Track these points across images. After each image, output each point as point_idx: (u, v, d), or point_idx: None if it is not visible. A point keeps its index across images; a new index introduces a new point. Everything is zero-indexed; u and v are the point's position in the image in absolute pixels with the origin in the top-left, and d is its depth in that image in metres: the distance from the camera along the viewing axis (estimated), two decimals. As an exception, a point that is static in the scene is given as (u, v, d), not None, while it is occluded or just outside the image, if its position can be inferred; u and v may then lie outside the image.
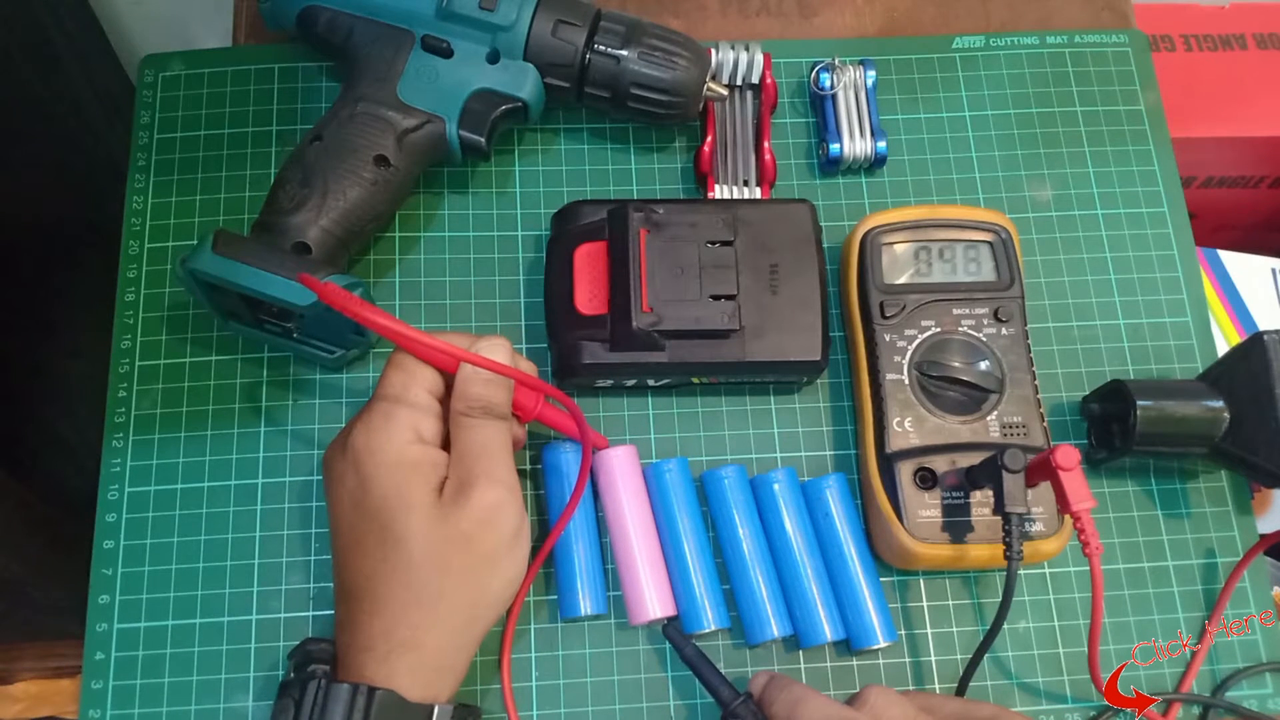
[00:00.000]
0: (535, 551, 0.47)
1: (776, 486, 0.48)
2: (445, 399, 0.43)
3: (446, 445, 0.43)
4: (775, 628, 0.46)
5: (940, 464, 0.47)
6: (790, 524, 0.48)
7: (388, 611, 0.39)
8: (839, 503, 0.48)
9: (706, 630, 0.47)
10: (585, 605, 0.47)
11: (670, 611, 0.47)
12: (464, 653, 0.41)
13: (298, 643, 0.42)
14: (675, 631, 0.44)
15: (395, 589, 0.39)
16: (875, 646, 0.47)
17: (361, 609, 0.40)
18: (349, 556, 0.41)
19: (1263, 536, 0.50)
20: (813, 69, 0.57)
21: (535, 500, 0.50)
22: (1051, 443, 0.47)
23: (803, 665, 0.48)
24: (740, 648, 0.48)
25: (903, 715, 0.40)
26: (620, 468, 0.48)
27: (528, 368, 0.46)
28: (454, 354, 0.41)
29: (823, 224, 0.52)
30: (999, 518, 0.44)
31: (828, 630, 0.46)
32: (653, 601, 0.46)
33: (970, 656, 0.45)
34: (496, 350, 0.42)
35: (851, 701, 0.41)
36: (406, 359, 0.42)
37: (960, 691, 0.46)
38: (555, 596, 0.48)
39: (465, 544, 0.40)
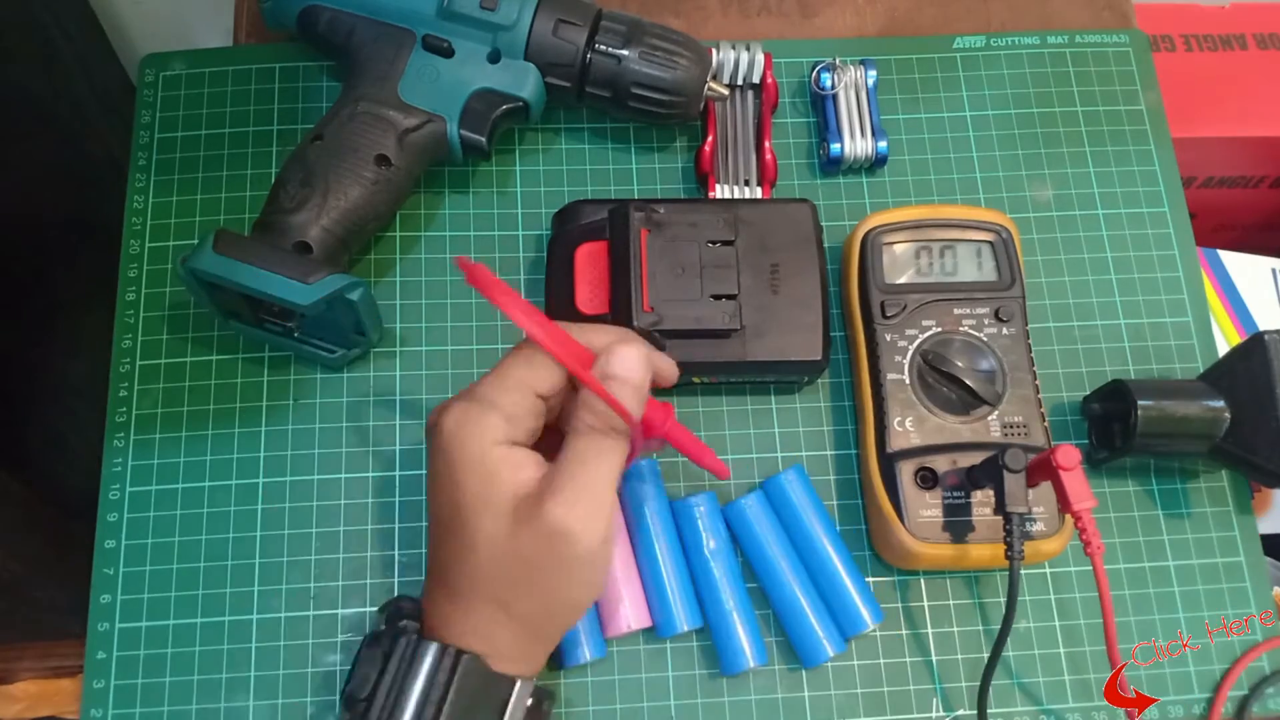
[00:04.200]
0: None
1: (749, 510, 0.48)
2: (564, 394, 0.41)
3: (543, 445, 0.41)
4: (751, 659, 0.46)
5: (941, 464, 0.47)
6: (770, 546, 0.47)
7: (461, 601, 0.40)
8: (802, 494, 0.48)
9: (681, 633, 0.47)
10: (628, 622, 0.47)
11: (645, 623, 0.47)
12: (540, 645, 0.41)
13: (386, 600, 0.43)
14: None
15: (465, 583, 0.39)
16: (866, 631, 0.47)
17: (441, 587, 0.40)
18: (433, 532, 0.41)
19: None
20: (813, 69, 0.57)
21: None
22: (1052, 442, 0.47)
23: (803, 666, 0.48)
24: (717, 678, 0.48)
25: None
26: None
27: (667, 366, 0.44)
28: (585, 369, 0.39)
29: (823, 224, 0.52)
30: (1000, 517, 0.44)
31: (828, 648, 0.47)
32: (628, 613, 0.46)
33: (986, 658, 0.45)
34: (629, 359, 0.40)
35: None
36: (535, 354, 0.40)
37: (979, 697, 0.46)
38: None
39: (535, 557, 0.39)
